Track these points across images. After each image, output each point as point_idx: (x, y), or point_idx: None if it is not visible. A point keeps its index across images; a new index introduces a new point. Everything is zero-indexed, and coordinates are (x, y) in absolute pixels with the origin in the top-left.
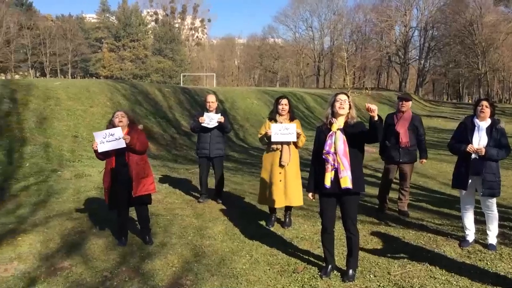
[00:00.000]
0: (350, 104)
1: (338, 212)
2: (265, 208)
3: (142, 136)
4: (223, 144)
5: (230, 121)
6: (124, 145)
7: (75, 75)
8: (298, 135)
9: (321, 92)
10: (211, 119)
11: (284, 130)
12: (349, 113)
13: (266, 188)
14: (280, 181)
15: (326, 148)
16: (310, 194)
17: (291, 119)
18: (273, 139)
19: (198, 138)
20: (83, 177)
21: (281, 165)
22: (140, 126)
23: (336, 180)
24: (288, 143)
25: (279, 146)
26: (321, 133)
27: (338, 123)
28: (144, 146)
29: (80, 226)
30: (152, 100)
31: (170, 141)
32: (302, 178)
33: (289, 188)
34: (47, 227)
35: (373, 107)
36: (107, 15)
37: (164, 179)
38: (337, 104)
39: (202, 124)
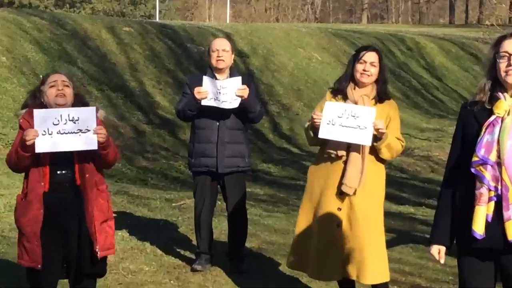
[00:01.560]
0: None
1: None
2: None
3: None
4: (246, 146)
5: (260, 95)
6: (95, 146)
7: None
8: (381, 134)
9: (463, 33)
10: (219, 91)
11: (349, 118)
12: None
13: (305, 240)
14: (338, 226)
15: (480, 152)
16: (434, 250)
17: (379, 97)
18: (321, 134)
19: (193, 133)
20: None
21: (342, 193)
22: (100, 112)
23: (498, 221)
24: (360, 148)
25: (343, 153)
26: (470, 120)
27: (510, 100)
28: (116, 153)
29: None
30: (96, 51)
31: (133, 140)
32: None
33: (358, 247)
34: None
35: None
36: None
37: (120, 222)
38: (503, 62)
39: (203, 102)
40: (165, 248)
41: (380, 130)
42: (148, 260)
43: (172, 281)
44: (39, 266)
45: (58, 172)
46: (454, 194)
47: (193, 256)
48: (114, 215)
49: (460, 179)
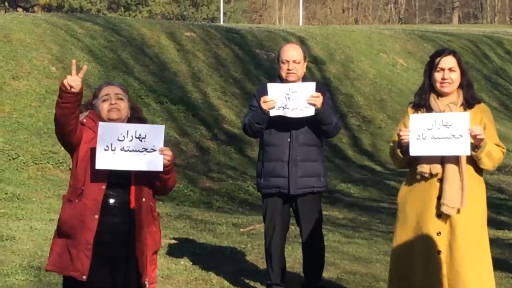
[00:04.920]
0: None
1: None
2: None
3: None
4: (321, 164)
5: (337, 106)
6: (161, 168)
7: None
8: (479, 141)
9: None
10: (288, 96)
11: (440, 128)
12: None
13: (403, 272)
14: (439, 253)
15: None
16: None
17: (468, 103)
18: (413, 151)
19: (262, 149)
20: None
21: (441, 214)
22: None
23: None
24: (457, 158)
25: (438, 169)
26: None
27: None
28: (175, 179)
29: None
30: (155, 59)
31: (196, 158)
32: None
33: (462, 274)
34: None
35: None
36: None
37: (182, 250)
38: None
39: (271, 113)
40: (233, 279)
41: (478, 137)
42: None
43: None
44: (84, 277)
45: (112, 192)
46: None
47: None
48: (174, 241)
49: None
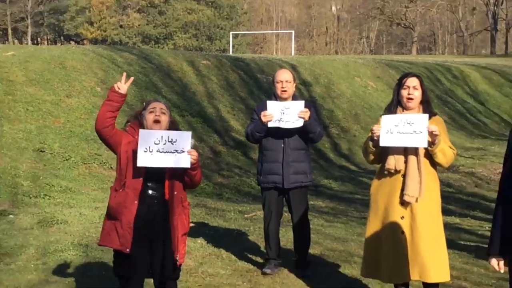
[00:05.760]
0: None
1: None
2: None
3: None
4: (308, 164)
5: (321, 119)
6: (188, 165)
7: (40, 39)
8: (435, 137)
9: (503, 63)
10: (283, 111)
11: (405, 126)
12: None
13: (375, 249)
14: (403, 233)
15: None
16: (493, 261)
17: (426, 113)
18: (382, 143)
19: (261, 153)
20: (53, 225)
21: (404, 202)
22: (193, 141)
23: None
24: (417, 157)
25: (401, 166)
26: None
27: None
28: (201, 176)
29: None
30: (178, 82)
31: (210, 159)
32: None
33: (422, 249)
34: None
35: None
36: None
37: (199, 231)
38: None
39: (269, 124)
40: (239, 255)
41: (434, 133)
42: (224, 265)
43: (245, 283)
44: (128, 250)
45: (150, 184)
46: (504, 208)
47: (262, 262)
48: (193, 225)
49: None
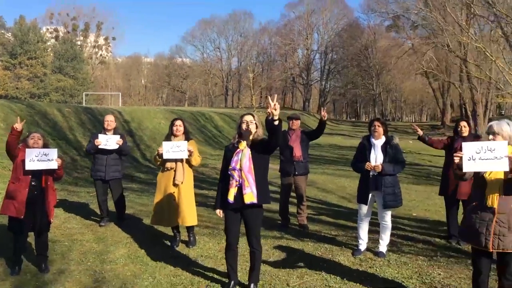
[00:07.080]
0: (256, 124)
1: (243, 228)
2: (171, 230)
3: None
4: (121, 166)
5: (136, 141)
6: (56, 167)
7: None
8: (190, 153)
9: (230, 111)
10: (108, 141)
11: (175, 148)
12: (256, 132)
13: (159, 208)
14: (174, 200)
15: (232, 164)
16: (217, 211)
17: (187, 140)
18: (165, 157)
19: (94, 159)
20: None
21: (175, 184)
22: (58, 153)
23: (240, 195)
24: (181, 162)
25: (173, 165)
26: (229, 152)
27: (246, 142)
28: (62, 174)
29: None
30: (51, 120)
31: (70, 163)
32: (205, 196)
33: (182, 207)
34: None
35: (276, 106)
36: (2, 31)
37: (62, 204)
38: (243, 126)
39: (100, 146)
40: (86, 215)
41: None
42: (77, 223)
43: (89, 232)
44: (22, 216)
45: (33, 178)
46: (222, 185)
47: (99, 219)
48: (58, 200)
49: (224, 178)
